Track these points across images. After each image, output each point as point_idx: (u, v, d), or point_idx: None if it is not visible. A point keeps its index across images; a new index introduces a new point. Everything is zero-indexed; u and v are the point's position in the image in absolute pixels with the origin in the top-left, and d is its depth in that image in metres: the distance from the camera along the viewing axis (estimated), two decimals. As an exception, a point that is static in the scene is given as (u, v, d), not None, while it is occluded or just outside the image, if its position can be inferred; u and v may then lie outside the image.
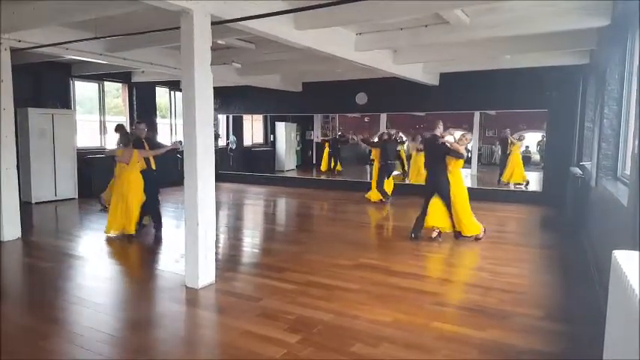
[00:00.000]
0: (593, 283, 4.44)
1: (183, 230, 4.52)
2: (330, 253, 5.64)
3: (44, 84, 9.75)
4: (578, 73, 8.66)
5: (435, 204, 6.31)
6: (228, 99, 13.14)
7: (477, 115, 14.55)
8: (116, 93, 12.32)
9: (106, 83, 11.22)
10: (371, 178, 10.38)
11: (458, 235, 6.35)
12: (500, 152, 13.88)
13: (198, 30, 4.18)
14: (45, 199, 9.37)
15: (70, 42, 6.33)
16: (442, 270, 5.42)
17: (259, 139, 17.03)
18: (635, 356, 1.48)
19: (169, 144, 7.37)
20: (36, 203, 9.16)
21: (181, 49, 4.32)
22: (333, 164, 15.99)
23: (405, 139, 14.05)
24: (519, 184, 11.89)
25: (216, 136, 12.72)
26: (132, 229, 6.31)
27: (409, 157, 12.38)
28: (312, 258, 5.49)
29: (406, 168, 13.17)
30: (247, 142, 16.16)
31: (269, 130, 17.11)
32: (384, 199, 9.71)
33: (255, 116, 16.40)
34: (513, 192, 10.98)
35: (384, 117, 14.49)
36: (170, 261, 5.46)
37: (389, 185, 9.92)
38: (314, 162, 18.08)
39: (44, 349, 3.21)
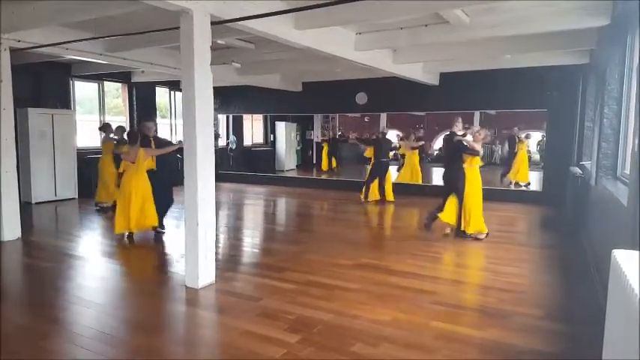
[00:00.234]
0: (593, 283, 4.43)
1: (183, 230, 4.52)
2: (330, 253, 5.64)
3: (44, 84, 9.76)
4: (578, 72, 8.66)
5: (453, 201, 6.39)
6: (228, 99, 13.14)
7: (476, 114, 14.55)
8: (116, 93, 12.32)
9: (105, 83, 11.23)
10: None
11: (460, 234, 6.37)
12: (507, 150, 13.72)
13: (198, 30, 4.18)
14: (45, 199, 9.37)
15: (69, 42, 6.33)
16: (442, 269, 5.42)
17: (259, 138, 17.03)
18: (634, 356, 1.48)
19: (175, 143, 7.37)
20: (36, 203, 9.17)
21: (181, 49, 4.32)
22: (334, 164, 16.00)
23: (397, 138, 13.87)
24: (521, 183, 11.88)
25: (216, 136, 12.71)
26: (153, 224, 6.35)
27: (402, 156, 12.27)
28: (312, 258, 5.49)
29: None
30: (247, 141, 16.16)
31: (269, 129, 17.11)
32: (361, 196, 9.83)
33: (255, 116, 16.40)
34: (513, 192, 10.98)
35: (384, 117, 14.48)
36: (170, 261, 5.46)
37: (388, 185, 9.94)
38: (314, 162, 18.07)
39: (44, 349, 3.21)
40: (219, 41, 6.80)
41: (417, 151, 11.94)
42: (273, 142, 16.89)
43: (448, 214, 6.43)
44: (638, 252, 1.90)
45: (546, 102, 9.45)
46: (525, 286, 4.55)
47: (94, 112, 11.28)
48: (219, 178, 9.61)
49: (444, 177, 6.65)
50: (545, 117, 10.24)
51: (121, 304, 4.23)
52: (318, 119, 18.71)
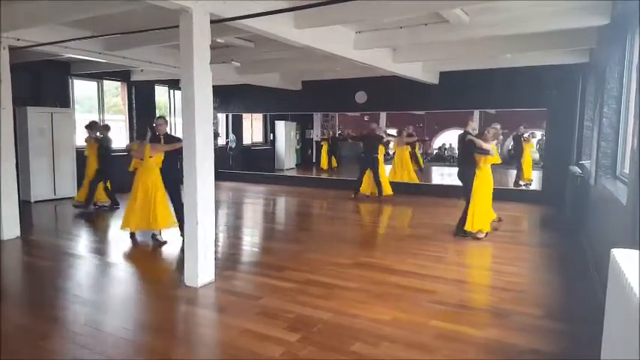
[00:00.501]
0: (593, 282, 4.44)
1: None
2: (330, 252, 5.64)
3: (43, 83, 9.73)
4: (578, 71, 8.66)
5: (473, 208, 6.32)
6: (227, 98, 13.13)
7: (476, 114, 14.53)
8: (115, 92, 12.30)
9: (105, 82, 11.20)
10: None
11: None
12: (508, 149, 13.56)
13: (198, 28, 4.17)
14: (44, 197, 9.37)
15: (69, 40, 6.32)
16: (441, 268, 5.40)
17: (259, 137, 17.01)
18: (633, 355, 1.48)
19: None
20: (35, 202, 9.16)
21: (180, 47, 4.31)
22: (334, 163, 15.99)
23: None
24: (521, 183, 11.87)
25: (216, 135, 12.67)
26: (171, 225, 6.12)
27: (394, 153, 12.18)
28: (312, 257, 5.49)
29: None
30: (247, 140, 16.15)
31: (269, 128, 17.09)
32: (353, 194, 9.94)
33: (255, 115, 16.38)
34: (513, 191, 10.98)
35: (383, 116, 14.46)
36: (170, 260, 5.46)
37: (384, 181, 9.97)
38: (314, 161, 18.06)
39: (44, 348, 3.21)
40: (219, 40, 6.80)
41: (408, 147, 11.94)
42: (273, 141, 16.88)
43: (480, 220, 6.32)
44: (637, 251, 1.90)
45: (546, 101, 9.45)
46: (525, 285, 4.56)
47: (93, 110, 11.25)
48: (219, 177, 9.57)
49: (458, 176, 6.67)
50: (544, 116, 10.24)
51: (121, 303, 4.23)
52: (317, 118, 18.70)
